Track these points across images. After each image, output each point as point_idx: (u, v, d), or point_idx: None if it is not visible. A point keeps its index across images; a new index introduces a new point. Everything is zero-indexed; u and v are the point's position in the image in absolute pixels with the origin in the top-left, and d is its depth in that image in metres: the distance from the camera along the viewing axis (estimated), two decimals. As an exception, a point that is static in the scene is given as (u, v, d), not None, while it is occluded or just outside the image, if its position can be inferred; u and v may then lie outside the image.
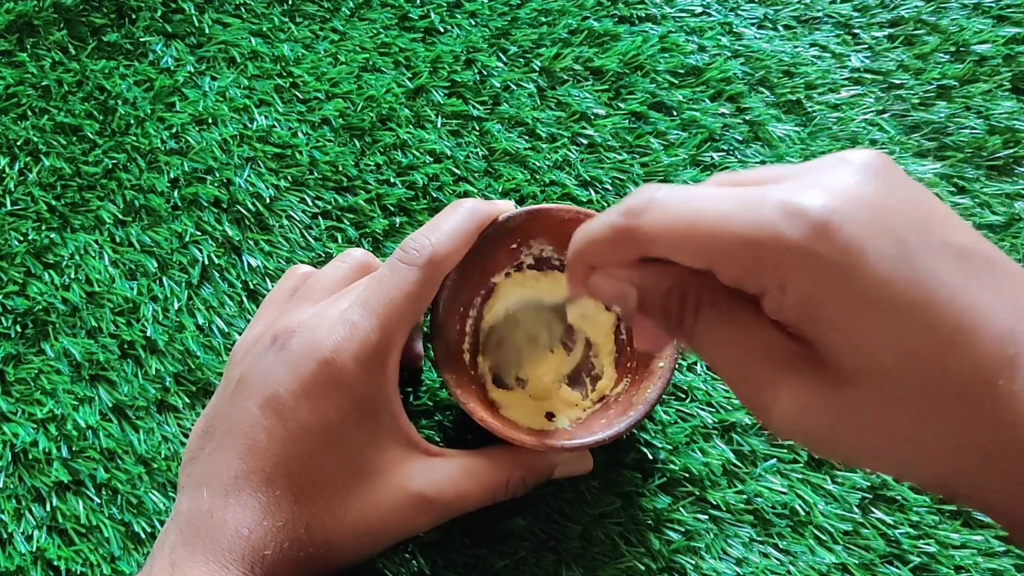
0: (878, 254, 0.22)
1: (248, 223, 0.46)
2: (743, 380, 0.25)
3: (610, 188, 0.46)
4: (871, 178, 0.24)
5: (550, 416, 0.39)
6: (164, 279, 0.45)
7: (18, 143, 0.48)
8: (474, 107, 0.49)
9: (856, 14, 0.50)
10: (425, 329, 0.41)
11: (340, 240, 0.46)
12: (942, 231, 0.24)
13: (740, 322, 0.25)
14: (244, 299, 0.44)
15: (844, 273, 0.22)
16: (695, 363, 0.43)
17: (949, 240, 0.23)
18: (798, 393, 0.24)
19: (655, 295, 0.27)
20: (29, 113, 0.49)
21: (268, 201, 0.46)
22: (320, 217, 0.46)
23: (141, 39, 0.51)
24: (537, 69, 0.49)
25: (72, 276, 0.45)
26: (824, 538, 0.39)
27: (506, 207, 0.39)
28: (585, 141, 0.48)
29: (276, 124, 0.48)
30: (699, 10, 0.51)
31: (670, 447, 0.41)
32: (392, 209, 0.46)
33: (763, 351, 0.25)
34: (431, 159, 0.47)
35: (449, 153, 0.47)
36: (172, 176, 0.47)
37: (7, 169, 0.48)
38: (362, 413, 0.34)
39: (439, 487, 0.35)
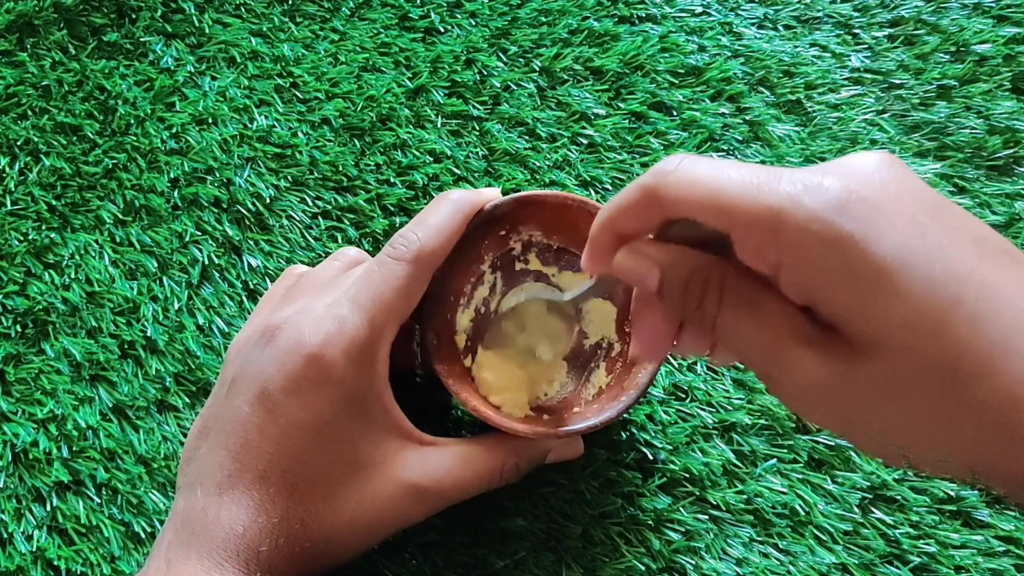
0: (893, 230, 0.23)
1: (248, 223, 0.46)
2: (763, 357, 0.26)
3: (610, 188, 0.46)
4: (886, 169, 0.25)
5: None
6: (164, 279, 0.45)
7: (18, 143, 0.48)
8: (474, 107, 0.49)
9: (856, 14, 0.50)
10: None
11: (340, 240, 0.46)
12: (956, 219, 0.24)
13: (762, 303, 0.26)
14: (244, 299, 0.44)
15: (859, 247, 0.23)
16: (695, 363, 0.43)
17: (964, 226, 0.24)
18: (816, 366, 0.24)
19: (677, 277, 0.27)
20: (29, 113, 0.49)
21: (268, 201, 0.46)
22: (320, 217, 0.46)
23: (141, 39, 0.51)
24: (537, 69, 0.49)
25: (72, 276, 0.45)
26: (824, 538, 0.39)
27: (492, 195, 0.39)
28: (585, 141, 0.48)
29: (276, 124, 0.48)
30: (699, 10, 0.51)
31: (670, 447, 0.41)
32: (392, 209, 0.46)
33: (784, 330, 0.25)
34: (431, 159, 0.47)
35: (449, 153, 0.47)
36: (172, 176, 0.47)
37: (7, 169, 0.48)
38: (354, 407, 0.34)
39: (434, 476, 0.35)
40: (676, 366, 0.43)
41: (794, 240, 0.23)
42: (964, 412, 0.23)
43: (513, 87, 0.49)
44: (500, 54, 0.50)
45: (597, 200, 0.42)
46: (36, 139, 0.48)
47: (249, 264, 0.45)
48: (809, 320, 0.25)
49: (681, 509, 0.40)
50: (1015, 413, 0.22)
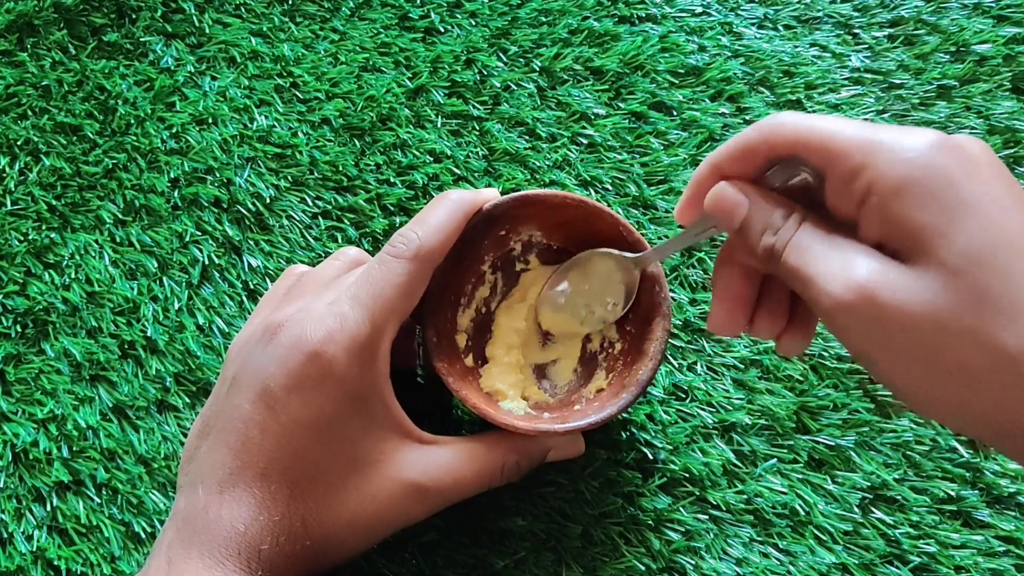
0: (980, 176, 0.25)
1: (248, 223, 0.46)
2: (824, 270, 0.27)
3: (610, 188, 0.46)
4: (983, 147, 0.27)
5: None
6: (164, 279, 0.45)
7: (18, 143, 0.48)
8: (474, 107, 0.49)
9: (856, 14, 0.50)
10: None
11: (340, 240, 0.46)
12: None
13: (834, 232, 0.28)
14: (244, 299, 0.44)
15: (947, 177, 0.25)
16: (695, 363, 0.43)
17: None
18: (877, 265, 0.26)
19: (764, 208, 0.30)
20: (29, 113, 0.49)
21: (268, 201, 0.46)
22: (320, 217, 0.46)
23: (141, 39, 0.51)
24: (537, 69, 0.49)
25: (72, 276, 0.45)
26: (824, 538, 0.39)
27: (491, 195, 0.39)
28: (585, 141, 0.48)
29: (276, 124, 0.48)
30: (699, 10, 0.51)
31: (670, 447, 0.41)
32: (392, 209, 0.46)
33: (850, 245, 0.27)
34: (431, 159, 0.47)
35: (449, 153, 0.47)
36: (172, 176, 0.47)
37: (7, 169, 0.48)
38: (354, 404, 0.34)
39: (434, 475, 0.35)
40: (676, 366, 0.43)
41: (887, 168, 0.26)
42: (987, 353, 0.24)
43: (513, 87, 0.49)
44: (500, 54, 0.50)
45: (597, 200, 0.42)
46: (36, 139, 0.48)
47: (249, 264, 0.45)
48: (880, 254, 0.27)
49: (681, 509, 0.40)
50: None
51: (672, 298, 0.40)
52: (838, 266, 0.27)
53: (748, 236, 0.30)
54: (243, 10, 0.52)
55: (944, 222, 0.25)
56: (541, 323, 0.41)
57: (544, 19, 0.51)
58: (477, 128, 0.48)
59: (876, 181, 0.26)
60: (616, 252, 0.38)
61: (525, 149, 0.47)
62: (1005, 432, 0.25)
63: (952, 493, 0.39)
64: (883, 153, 0.26)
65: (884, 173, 0.26)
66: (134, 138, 0.48)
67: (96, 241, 0.46)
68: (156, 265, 0.45)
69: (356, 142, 0.48)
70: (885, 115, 0.47)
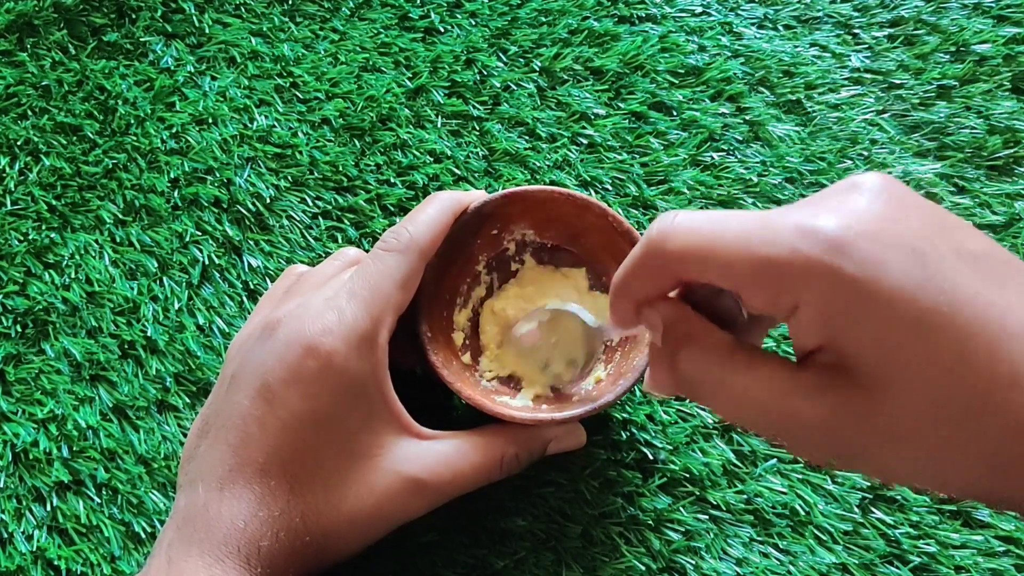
0: (894, 266, 0.23)
1: (248, 223, 0.46)
2: (767, 418, 0.26)
3: (610, 188, 0.46)
4: (880, 196, 0.24)
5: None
6: (164, 279, 0.45)
7: (18, 143, 0.48)
8: (474, 107, 0.49)
9: (856, 14, 0.50)
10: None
11: (340, 240, 0.46)
12: (954, 239, 0.24)
13: (756, 365, 0.26)
14: (244, 299, 0.44)
15: (864, 287, 0.23)
16: (695, 363, 0.43)
17: (963, 246, 0.24)
18: (828, 408, 0.24)
19: (677, 330, 0.27)
20: (29, 113, 0.49)
21: (268, 201, 0.46)
22: (320, 217, 0.46)
23: (141, 39, 0.51)
24: (537, 69, 0.49)
25: (72, 276, 0.45)
26: (824, 538, 0.39)
27: (479, 196, 0.40)
28: (585, 141, 0.48)
29: (276, 124, 0.48)
30: (699, 10, 0.51)
31: (670, 447, 0.41)
32: (392, 209, 0.46)
33: (784, 385, 0.25)
34: (431, 159, 0.47)
35: (449, 153, 0.47)
36: (172, 176, 0.47)
37: (7, 169, 0.48)
38: (353, 397, 0.34)
39: (433, 469, 0.35)
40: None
41: (800, 287, 0.23)
42: (984, 439, 0.23)
43: (513, 87, 0.49)
44: (500, 54, 0.50)
45: (598, 199, 0.42)
46: (36, 139, 0.48)
47: (249, 264, 0.45)
48: (811, 370, 0.25)
49: (681, 509, 0.40)
50: None
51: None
52: (784, 424, 0.25)
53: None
54: (243, 10, 0.52)
55: (881, 339, 0.23)
56: (506, 364, 0.41)
57: (544, 19, 0.51)
58: (477, 128, 0.48)
59: (788, 309, 0.24)
60: (584, 319, 0.37)
61: (525, 149, 0.47)
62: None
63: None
64: (790, 279, 0.23)
65: (792, 301, 0.24)
66: (134, 138, 0.48)
67: (96, 241, 0.46)
68: (156, 265, 0.45)
69: (356, 142, 0.48)
70: (885, 115, 0.47)
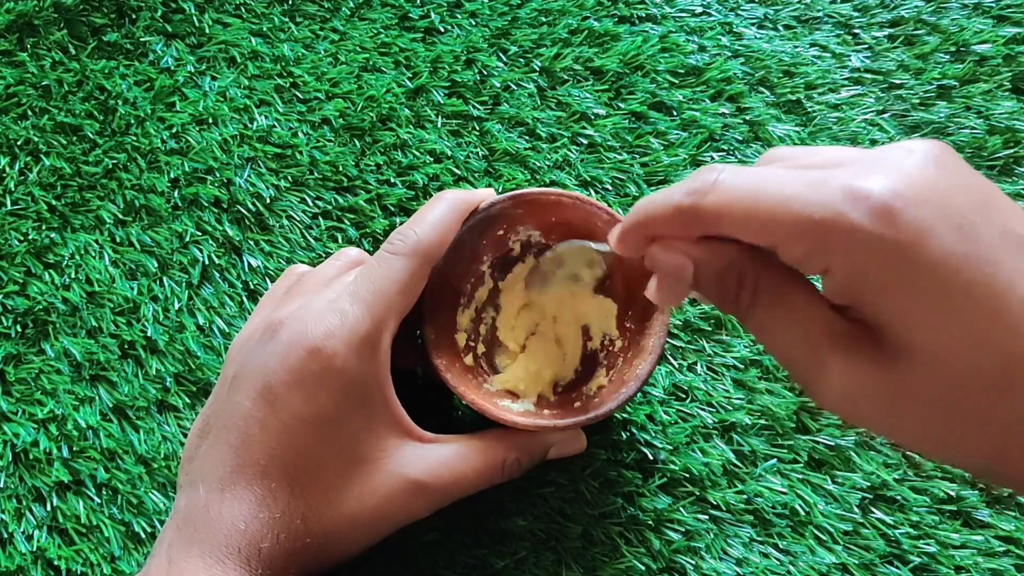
0: (940, 236, 0.23)
1: (248, 223, 0.46)
2: (796, 359, 0.26)
3: (610, 188, 0.46)
4: (933, 164, 0.24)
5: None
6: (164, 279, 0.45)
7: (18, 143, 0.48)
8: (474, 107, 0.49)
9: (856, 14, 0.50)
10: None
11: (340, 240, 0.46)
12: (1003, 219, 0.24)
13: (797, 303, 0.26)
14: (244, 299, 0.44)
15: (907, 254, 0.23)
16: (695, 363, 0.43)
17: (1008, 226, 0.24)
18: (852, 370, 0.24)
19: (712, 271, 0.27)
20: (29, 113, 0.49)
21: (268, 201, 0.46)
22: (320, 217, 0.46)
23: (141, 39, 0.51)
24: (537, 69, 0.49)
25: (72, 276, 0.45)
26: (824, 538, 0.39)
27: (487, 195, 0.39)
28: (585, 141, 0.48)
29: (276, 124, 0.48)
30: (699, 10, 0.51)
31: (670, 447, 0.41)
32: (392, 209, 0.46)
33: (818, 332, 0.25)
34: (431, 159, 0.47)
35: (449, 153, 0.47)
36: (172, 176, 0.47)
37: (7, 169, 0.48)
38: (355, 400, 0.34)
39: (434, 472, 0.35)
40: (676, 366, 0.43)
41: (837, 251, 0.23)
42: (1002, 416, 0.23)
43: (513, 87, 0.49)
44: (500, 54, 0.50)
45: (598, 199, 0.42)
46: (36, 139, 0.48)
47: (249, 264, 0.45)
48: (844, 321, 0.25)
49: (681, 509, 0.40)
50: None
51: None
52: (811, 370, 0.25)
53: (703, 291, 0.28)
54: (243, 10, 0.52)
55: (919, 307, 0.23)
56: (535, 301, 0.41)
57: (544, 19, 0.51)
58: (477, 128, 0.48)
59: (832, 268, 0.24)
60: (591, 245, 0.37)
61: (525, 149, 0.47)
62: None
63: (952, 493, 0.39)
64: (833, 241, 0.23)
65: (839, 263, 0.24)
66: (134, 138, 0.48)
67: (96, 241, 0.46)
68: (156, 265, 0.45)
69: (356, 142, 0.48)
70: (885, 115, 0.47)
